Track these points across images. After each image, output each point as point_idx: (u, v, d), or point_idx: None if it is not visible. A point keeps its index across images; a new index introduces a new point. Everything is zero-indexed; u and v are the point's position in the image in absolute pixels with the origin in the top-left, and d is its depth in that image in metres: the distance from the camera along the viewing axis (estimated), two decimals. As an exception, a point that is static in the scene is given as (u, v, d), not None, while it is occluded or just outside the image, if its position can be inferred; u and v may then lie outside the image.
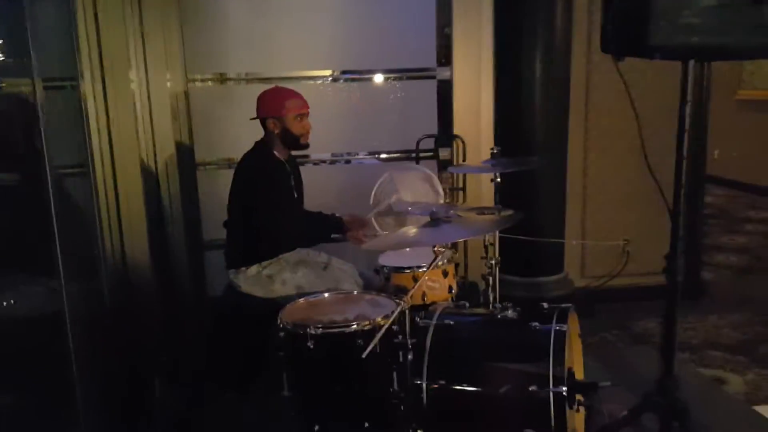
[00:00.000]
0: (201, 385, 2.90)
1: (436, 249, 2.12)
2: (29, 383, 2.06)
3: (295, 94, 2.88)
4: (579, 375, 2.51)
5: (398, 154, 4.32)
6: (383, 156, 4.34)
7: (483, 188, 4.15)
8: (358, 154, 4.34)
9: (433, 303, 2.56)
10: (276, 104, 2.83)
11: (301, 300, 2.37)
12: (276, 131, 2.84)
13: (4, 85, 2.11)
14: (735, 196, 7.37)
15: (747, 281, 5.11)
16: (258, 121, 2.92)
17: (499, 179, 2.85)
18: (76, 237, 2.32)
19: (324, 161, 4.30)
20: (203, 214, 4.09)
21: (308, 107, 2.89)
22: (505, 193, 4.11)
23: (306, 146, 2.92)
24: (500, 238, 3.97)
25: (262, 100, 2.89)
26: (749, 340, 3.86)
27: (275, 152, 2.88)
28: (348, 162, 4.34)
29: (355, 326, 2.08)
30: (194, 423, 2.74)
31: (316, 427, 2.09)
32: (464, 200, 4.11)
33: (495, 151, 2.69)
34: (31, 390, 2.08)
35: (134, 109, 3.10)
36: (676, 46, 1.66)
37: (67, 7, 2.07)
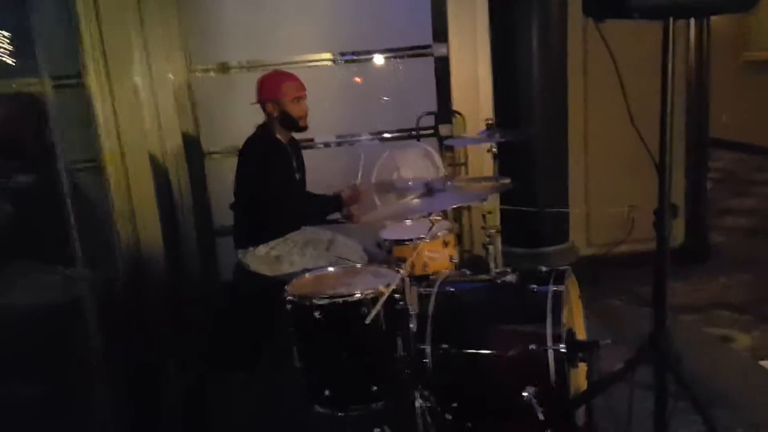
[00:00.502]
0: (212, 363, 3.01)
1: (432, 218, 2.19)
2: (47, 369, 2.16)
3: (292, 78, 2.95)
4: (581, 336, 2.59)
5: (399, 133, 4.37)
6: (387, 136, 4.39)
7: (485, 161, 4.19)
8: (361, 136, 4.39)
9: (435, 272, 2.65)
10: (273, 88, 2.91)
11: (307, 275, 2.46)
12: (275, 114, 2.92)
13: (14, 85, 2.19)
14: (742, 159, 7.34)
15: (755, 242, 5.13)
16: (260, 106, 3.00)
17: (495, 150, 2.90)
18: (91, 228, 2.41)
19: (329, 144, 4.36)
20: (213, 201, 4.20)
21: (305, 90, 2.96)
22: (506, 165, 4.18)
23: (305, 128, 2.99)
24: (504, 210, 4.06)
25: (261, 84, 2.96)
26: (757, 299, 3.89)
27: (276, 135, 2.95)
28: (352, 144, 4.39)
29: (358, 295, 2.16)
30: (206, 400, 2.85)
31: (327, 392, 2.18)
32: (466, 173, 4.16)
33: (489, 123, 2.74)
34: (49, 375, 2.18)
35: (139, 101, 3.19)
36: (652, 5, 1.71)
37: (67, 4, 2.14)
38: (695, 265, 4.48)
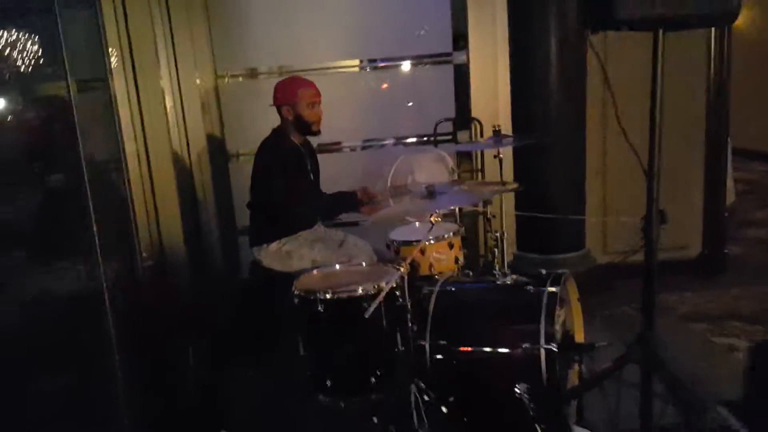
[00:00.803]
0: (228, 352, 3.15)
1: (432, 218, 2.29)
2: (73, 355, 2.30)
3: (307, 84, 3.08)
4: (579, 338, 2.65)
5: (417, 139, 4.47)
6: (410, 141, 4.49)
7: (503, 168, 4.26)
8: (384, 140, 4.51)
9: (440, 273, 2.75)
10: (289, 93, 3.04)
11: (315, 271, 2.58)
12: (290, 118, 3.05)
13: (43, 89, 2.35)
14: (769, 171, 7.27)
15: (773, 255, 5.09)
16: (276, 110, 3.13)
17: (501, 156, 2.97)
18: (112, 224, 2.56)
19: (354, 149, 4.49)
20: (236, 201, 4.35)
21: (320, 96, 3.09)
22: (523, 170, 4.26)
23: (318, 133, 3.11)
24: (519, 216, 4.12)
25: (278, 89, 3.10)
26: (768, 310, 3.88)
27: (291, 138, 3.08)
28: (378, 147, 4.50)
29: (360, 291, 2.27)
30: (221, 386, 2.99)
31: (328, 382, 2.29)
32: (482, 179, 4.24)
33: (497, 129, 2.83)
34: (75, 361, 2.32)
35: (164, 105, 3.36)
36: (641, 17, 1.79)
37: (95, 9, 2.30)
38: (711, 275, 4.47)
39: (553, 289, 2.31)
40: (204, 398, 2.91)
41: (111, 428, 2.22)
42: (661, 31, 1.86)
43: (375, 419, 2.30)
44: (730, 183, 5.82)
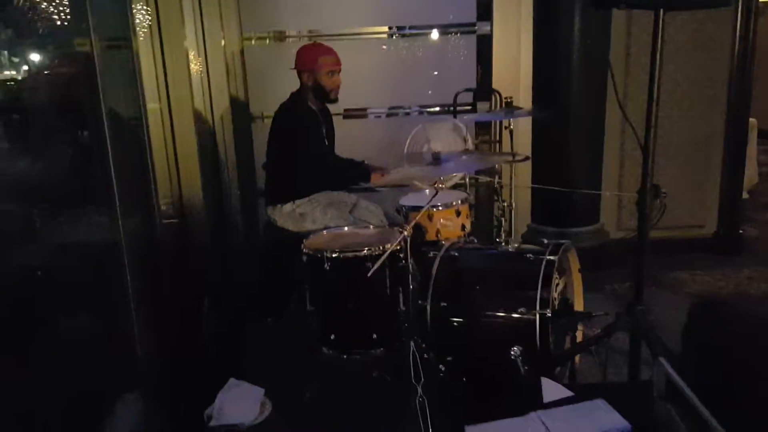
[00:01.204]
0: (242, 306, 3.30)
1: (436, 185, 2.36)
2: (94, 300, 2.44)
3: (329, 51, 3.15)
4: (579, 307, 2.73)
5: (439, 108, 4.52)
6: (435, 110, 4.54)
7: (519, 140, 4.30)
8: (408, 108, 4.56)
9: (446, 239, 2.83)
10: (311, 59, 3.11)
11: (324, 232, 2.68)
12: (309, 83, 3.13)
13: (69, 45, 2.44)
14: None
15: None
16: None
17: (512, 127, 3.03)
18: (132, 180, 2.67)
19: (379, 116, 4.56)
20: (257, 163, 4.46)
21: (340, 65, 3.15)
22: (541, 143, 4.29)
23: (335, 100, 3.19)
24: (534, 189, 4.16)
25: (300, 54, 3.17)
26: (778, 291, 3.90)
27: (308, 103, 3.17)
28: (402, 115, 4.56)
29: (365, 251, 2.37)
30: (234, 336, 3.14)
31: (332, 336, 2.41)
32: (499, 150, 4.28)
33: (508, 101, 2.87)
34: (95, 305, 2.46)
35: (188, 65, 3.44)
36: (639, -3, 1.82)
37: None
38: (726, 255, 4.48)
39: (551, 257, 2.38)
40: (218, 346, 3.05)
41: (125, 365, 2.36)
42: (661, 11, 1.88)
43: (375, 373, 2.42)
44: (753, 165, 5.78)
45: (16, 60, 2.21)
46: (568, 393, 1.84)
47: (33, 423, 1.82)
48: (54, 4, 2.13)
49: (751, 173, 5.63)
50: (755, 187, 5.96)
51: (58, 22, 2.16)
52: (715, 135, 4.46)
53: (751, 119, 4.68)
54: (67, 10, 2.01)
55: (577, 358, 2.55)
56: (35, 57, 2.31)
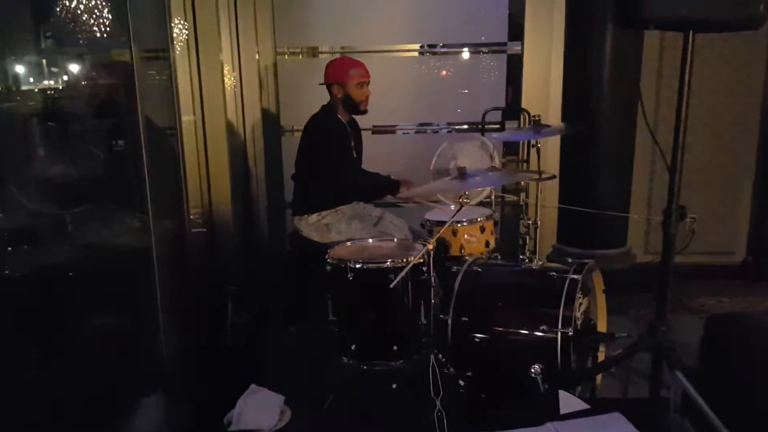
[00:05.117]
0: (265, 313, 3.34)
1: (461, 200, 2.38)
2: (123, 303, 2.50)
3: (358, 64, 3.21)
4: (602, 328, 2.71)
5: (467, 126, 4.54)
6: (464, 127, 4.57)
7: (548, 160, 4.30)
8: (437, 125, 4.60)
9: (470, 254, 2.84)
10: (340, 72, 3.17)
11: (349, 243, 2.72)
12: (339, 96, 3.18)
13: (109, 55, 2.53)
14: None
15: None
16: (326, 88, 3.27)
17: (539, 145, 3.03)
18: (165, 187, 2.75)
19: (408, 132, 4.60)
20: (286, 175, 4.51)
21: (369, 76, 3.21)
22: (570, 164, 4.28)
23: (365, 112, 3.24)
24: (561, 209, 4.14)
25: (329, 68, 3.24)
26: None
27: (338, 115, 3.22)
28: (433, 132, 4.60)
29: (388, 263, 2.39)
30: (257, 343, 3.18)
31: (353, 346, 2.43)
32: (527, 169, 4.28)
33: (537, 118, 2.89)
34: (125, 304, 2.52)
35: (223, 77, 3.53)
36: (667, 18, 1.82)
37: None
38: (754, 283, 4.39)
39: (575, 276, 2.37)
40: (240, 351, 3.10)
41: (150, 365, 2.41)
42: (691, 33, 1.89)
43: (394, 385, 2.43)
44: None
45: (55, 70, 2.29)
46: (584, 406, 1.83)
47: (59, 418, 1.87)
48: (95, 16, 2.21)
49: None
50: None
51: (98, 34, 2.24)
52: (747, 160, 4.40)
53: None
54: (107, 22, 2.09)
55: (598, 378, 2.53)
56: (75, 67, 2.40)
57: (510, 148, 4.56)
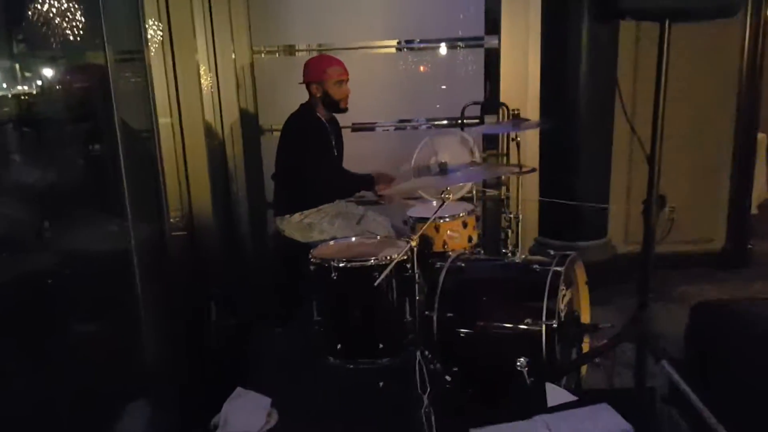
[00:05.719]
0: (248, 313, 3.32)
1: (443, 195, 2.37)
2: (105, 304, 2.46)
3: (336, 62, 3.19)
4: (585, 319, 2.72)
5: (447, 121, 4.54)
6: (443, 123, 4.56)
7: (527, 153, 4.31)
8: (416, 122, 4.59)
9: (453, 250, 2.84)
10: (318, 70, 3.15)
11: (332, 242, 2.71)
12: (318, 95, 3.17)
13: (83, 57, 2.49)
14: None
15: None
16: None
17: (519, 139, 3.04)
18: (143, 190, 2.71)
19: (387, 129, 4.59)
20: (266, 175, 4.49)
21: (348, 74, 3.19)
22: (549, 157, 4.30)
23: (345, 110, 3.22)
24: (542, 202, 4.17)
25: (308, 66, 3.21)
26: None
27: (317, 114, 3.20)
28: (411, 128, 4.59)
29: (372, 261, 2.38)
30: (242, 346, 3.16)
31: (339, 346, 2.42)
32: (507, 162, 4.29)
33: (516, 113, 2.89)
34: (106, 308, 2.49)
35: (199, 77, 3.49)
36: (643, 8, 1.83)
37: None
38: (734, 270, 4.46)
39: (558, 268, 2.38)
40: (225, 354, 3.07)
41: (133, 371, 2.38)
42: (667, 22, 1.90)
43: (381, 383, 2.43)
44: (762, 179, 5.75)
45: (29, 75, 2.25)
46: (572, 397, 1.84)
47: (41, 425, 1.84)
48: (68, 18, 2.18)
49: (760, 188, 5.61)
50: (765, 201, 5.93)
51: (72, 37, 2.20)
52: (724, 149, 4.46)
53: (760, 134, 4.68)
54: (80, 25, 2.05)
55: (583, 370, 2.55)
56: (48, 71, 2.36)
57: (490, 143, 4.57)
